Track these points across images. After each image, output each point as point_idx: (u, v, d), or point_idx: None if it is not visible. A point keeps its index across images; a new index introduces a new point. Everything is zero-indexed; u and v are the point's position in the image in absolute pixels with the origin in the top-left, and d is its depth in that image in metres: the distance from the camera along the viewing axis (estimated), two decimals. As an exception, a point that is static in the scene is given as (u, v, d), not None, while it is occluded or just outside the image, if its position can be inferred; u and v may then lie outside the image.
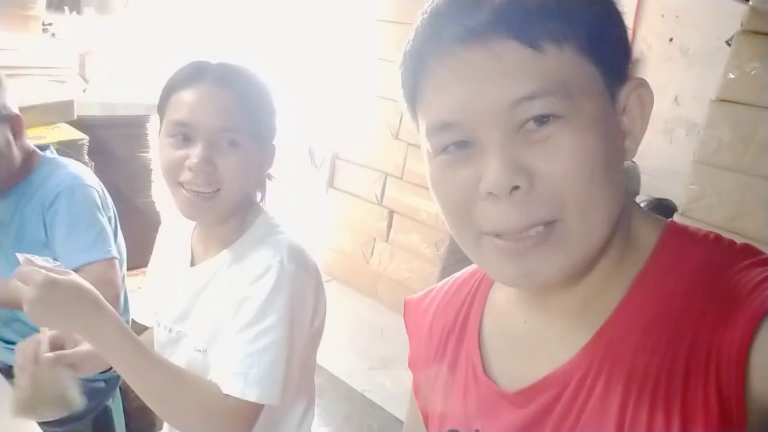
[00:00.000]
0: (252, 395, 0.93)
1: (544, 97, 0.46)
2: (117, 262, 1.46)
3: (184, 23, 3.38)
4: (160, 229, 1.27)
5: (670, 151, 2.76)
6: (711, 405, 0.45)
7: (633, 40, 2.76)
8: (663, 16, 2.76)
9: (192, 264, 1.10)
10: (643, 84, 0.51)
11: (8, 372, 1.22)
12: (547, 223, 0.48)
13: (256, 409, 0.96)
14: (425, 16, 0.50)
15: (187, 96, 0.96)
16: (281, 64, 3.50)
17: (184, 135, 0.96)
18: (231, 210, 1.02)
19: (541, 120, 0.46)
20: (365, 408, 2.52)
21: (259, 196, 1.12)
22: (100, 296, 0.89)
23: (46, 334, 0.97)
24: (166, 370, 0.93)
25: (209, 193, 0.96)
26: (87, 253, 1.41)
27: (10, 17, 2.48)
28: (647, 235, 0.54)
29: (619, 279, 0.53)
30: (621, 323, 0.51)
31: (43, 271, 0.85)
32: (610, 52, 0.49)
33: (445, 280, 0.74)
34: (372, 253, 3.36)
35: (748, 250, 0.51)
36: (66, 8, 3.02)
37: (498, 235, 0.50)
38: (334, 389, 2.59)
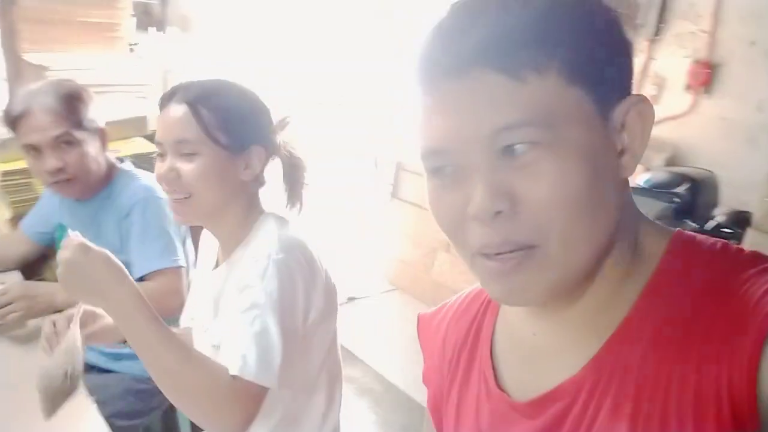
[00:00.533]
0: (250, 374, 0.97)
1: (524, 127, 0.47)
2: (183, 270, 1.56)
3: (256, 41, 3.53)
4: (201, 234, 1.38)
5: (754, 161, 2.60)
6: (724, 415, 0.45)
7: (712, 44, 2.63)
8: (743, 18, 2.61)
9: (215, 267, 1.21)
10: (643, 100, 0.51)
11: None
12: (528, 247, 0.49)
13: (258, 392, 1.00)
14: (415, 48, 0.52)
15: (159, 117, 1.12)
16: (346, 74, 3.57)
17: (160, 152, 1.10)
18: (211, 213, 1.12)
19: (523, 148, 0.48)
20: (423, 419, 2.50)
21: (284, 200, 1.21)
22: (125, 270, 0.99)
23: (79, 311, 1.06)
24: (177, 348, 0.97)
25: (181, 198, 1.09)
26: (156, 261, 1.53)
27: (100, 38, 2.69)
28: (654, 246, 0.54)
29: (627, 290, 0.53)
30: (629, 334, 0.52)
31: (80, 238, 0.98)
32: (599, 74, 0.49)
33: (458, 295, 0.75)
34: (433, 263, 3.36)
35: (756, 258, 0.51)
36: (151, 28, 3.24)
37: (485, 255, 0.51)
38: (393, 398, 2.61)
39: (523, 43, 0.46)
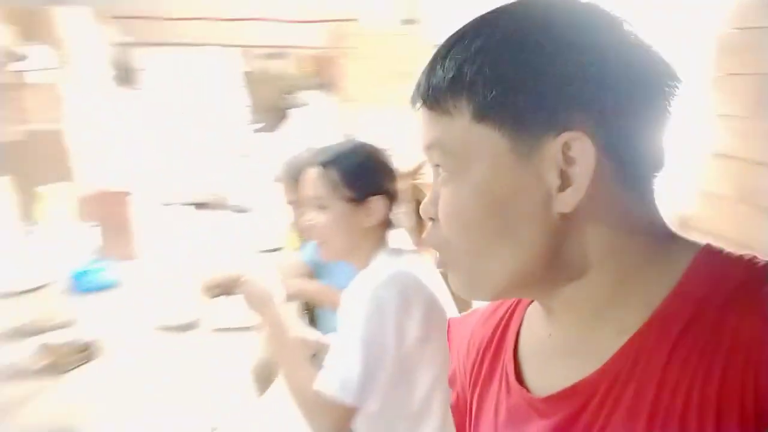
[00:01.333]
0: (329, 390, 1.15)
1: (434, 150, 0.57)
2: None
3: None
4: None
5: None
6: (747, 414, 0.44)
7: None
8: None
9: None
10: (579, 138, 0.50)
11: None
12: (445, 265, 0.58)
13: (342, 408, 1.16)
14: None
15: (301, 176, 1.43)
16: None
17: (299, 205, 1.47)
18: (342, 254, 1.37)
19: (438, 170, 0.58)
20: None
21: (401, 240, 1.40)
22: (272, 299, 1.33)
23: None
24: (291, 356, 1.25)
25: (320, 243, 1.36)
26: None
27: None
28: (681, 254, 0.54)
29: (646, 293, 0.53)
30: (651, 336, 0.51)
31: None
32: (515, 118, 0.51)
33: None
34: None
35: None
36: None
37: None
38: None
39: (440, 90, 0.55)
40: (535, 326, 0.64)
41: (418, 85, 0.57)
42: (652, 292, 0.52)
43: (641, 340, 0.51)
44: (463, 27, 0.55)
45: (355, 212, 1.31)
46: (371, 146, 1.38)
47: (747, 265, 0.51)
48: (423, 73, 0.57)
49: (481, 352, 0.69)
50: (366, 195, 1.30)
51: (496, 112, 0.51)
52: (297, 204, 1.84)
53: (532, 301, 0.66)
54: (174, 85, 3.56)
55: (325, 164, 1.31)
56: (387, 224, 1.37)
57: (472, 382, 0.70)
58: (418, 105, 0.57)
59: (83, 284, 1.95)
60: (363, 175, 1.32)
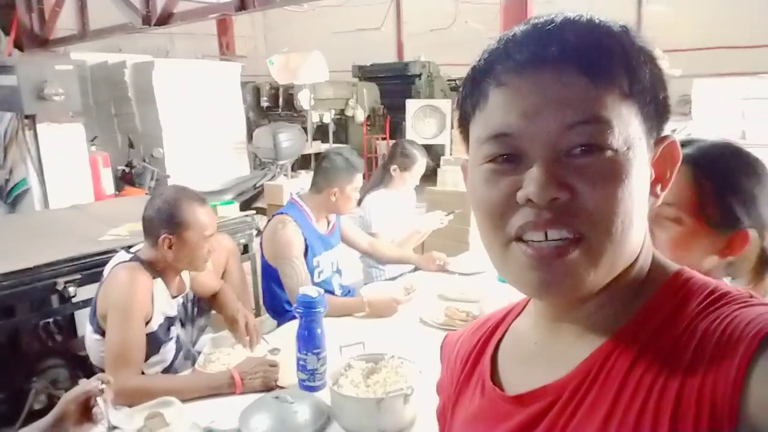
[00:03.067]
0: None
1: (594, 125, 0.50)
2: None
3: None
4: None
5: None
6: (703, 422, 0.46)
7: None
8: None
9: None
10: (675, 141, 0.56)
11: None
12: (573, 239, 0.51)
13: None
14: (502, 39, 0.55)
15: None
16: None
17: None
18: None
19: (588, 149, 0.51)
20: None
21: None
22: None
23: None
24: None
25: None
26: None
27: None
28: (657, 274, 0.57)
29: (626, 308, 0.56)
30: (618, 345, 0.54)
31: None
32: (649, 102, 0.53)
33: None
34: None
35: (750, 296, 0.53)
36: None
37: (525, 242, 0.53)
38: None
39: (606, 52, 0.51)
40: (521, 336, 0.66)
41: (565, 41, 0.51)
42: (630, 305, 0.55)
43: (611, 347, 0.54)
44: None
45: (712, 241, 1.04)
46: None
47: (716, 288, 0.54)
48: (563, 27, 0.53)
49: (464, 360, 0.71)
50: (735, 225, 1.03)
51: (642, 95, 0.53)
52: None
53: (519, 315, 0.69)
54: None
55: (701, 174, 1.04)
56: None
57: (455, 387, 0.71)
58: (576, 72, 0.51)
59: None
60: (744, 200, 1.04)
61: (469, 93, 0.58)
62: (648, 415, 0.49)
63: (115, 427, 1.29)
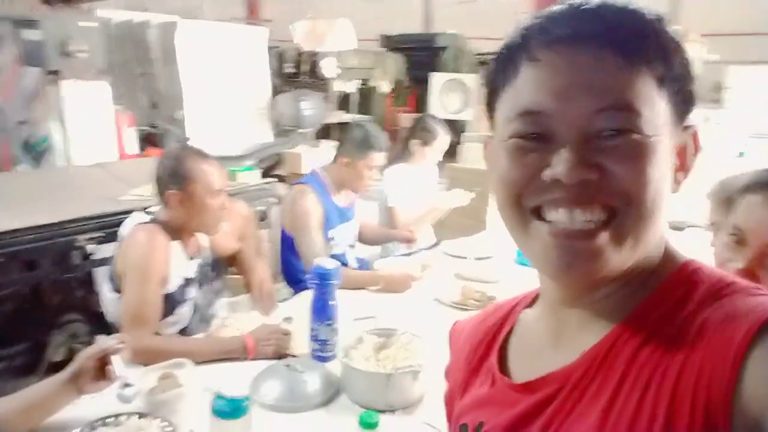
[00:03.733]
0: None
1: (627, 111, 0.50)
2: None
3: None
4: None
5: None
6: (696, 420, 0.46)
7: None
8: None
9: None
10: (697, 131, 0.57)
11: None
12: (601, 220, 0.51)
13: None
14: (539, 16, 0.54)
15: None
16: None
17: None
18: None
19: (618, 132, 0.50)
20: None
21: None
22: None
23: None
24: None
25: None
26: None
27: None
28: (667, 264, 0.57)
29: (634, 297, 0.55)
30: (623, 334, 0.54)
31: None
32: (683, 97, 0.53)
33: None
34: None
35: (757, 287, 0.53)
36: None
37: (549, 222, 0.53)
38: None
39: (643, 36, 0.51)
40: (531, 325, 0.67)
41: (603, 20, 0.51)
42: (638, 294, 0.55)
43: (615, 336, 0.54)
44: None
45: None
46: None
47: (723, 279, 0.54)
48: (602, 7, 0.51)
49: (473, 347, 0.72)
50: None
51: (673, 82, 0.52)
52: (719, 228, 1.45)
53: (529, 305, 0.69)
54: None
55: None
56: None
57: (463, 373, 0.72)
58: (613, 53, 0.50)
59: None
60: None
61: (500, 68, 0.57)
62: (647, 402, 0.49)
63: (128, 385, 1.32)
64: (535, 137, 0.53)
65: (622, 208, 0.51)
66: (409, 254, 2.73)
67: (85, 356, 1.29)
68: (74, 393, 1.29)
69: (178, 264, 1.89)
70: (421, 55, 9.73)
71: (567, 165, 0.50)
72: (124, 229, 1.91)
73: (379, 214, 3.07)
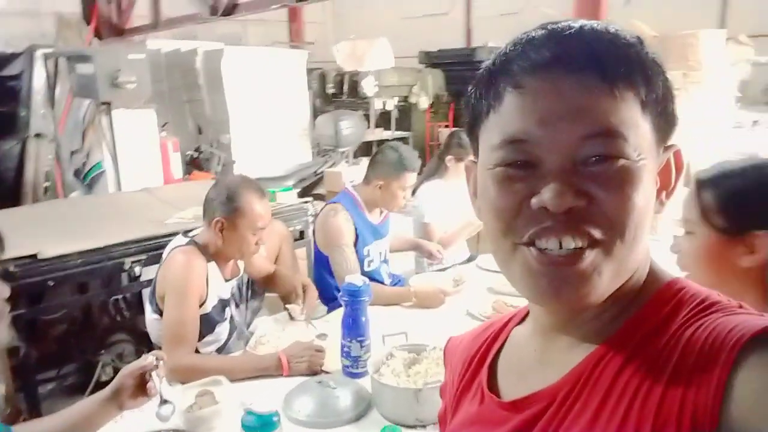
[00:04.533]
0: None
1: (612, 137, 0.50)
2: None
3: None
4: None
5: None
6: (684, 428, 0.46)
7: None
8: None
9: None
10: (680, 150, 0.57)
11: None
12: (587, 246, 0.51)
13: None
14: (519, 41, 0.54)
15: None
16: None
17: None
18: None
19: (603, 158, 0.50)
20: None
21: None
22: None
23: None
24: None
25: (684, 272, 1.10)
26: None
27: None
28: (653, 282, 0.57)
29: (621, 317, 0.56)
30: (608, 353, 0.54)
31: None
32: (665, 118, 0.54)
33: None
34: None
35: (739, 306, 0.53)
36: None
37: (537, 249, 0.52)
38: None
39: (626, 59, 0.51)
40: (521, 343, 0.67)
41: (586, 47, 0.51)
42: (624, 314, 0.56)
43: (600, 354, 0.54)
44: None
45: (727, 246, 1.04)
46: None
47: (706, 298, 0.54)
48: (583, 34, 0.51)
49: (466, 365, 0.72)
50: (746, 228, 1.02)
51: (655, 105, 0.53)
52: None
53: (519, 323, 0.69)
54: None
55: (702, 183, 1.08)
56: None
57: (455, 390, 0.72)
58: (597, 79, 0.50)
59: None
60: (745, 203, 1.03)
61: (482, 93, 0.57)
62: (631, 419, 0.49)
63: (166, 401, 1.37)
64: (522, 165, 0.53)
65: (605, 234, 0.51)
66: (443, 269, 2.74)
67: (126, 374, 1.35)
68: (115, 409, 1.34)
69: (215, 285, 1.95)
70: (460, 70, 9.75)
71: (555, 193, 0.50)
72: (165, 252, 1.99)
73: (414, 230, 3.09)
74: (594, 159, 0.51)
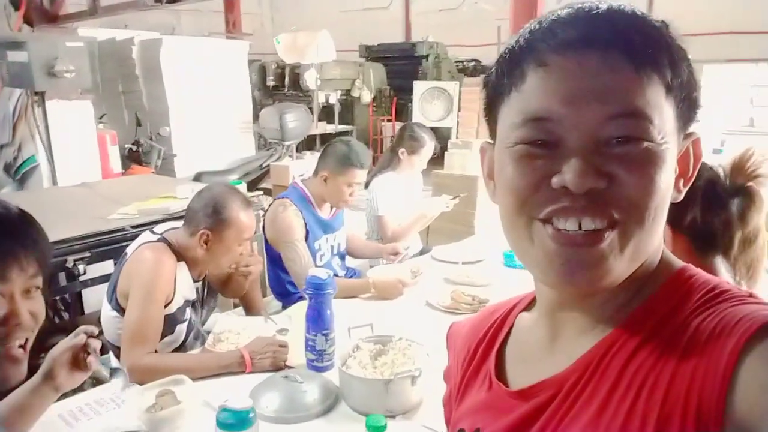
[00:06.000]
0: None
1: (636, 118, 0.49)
2: None
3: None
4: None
5: None
6: (688, 424, 0.46)
7: None
8: None
9: None
10: (699, 139, 0.56)
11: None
12: (607, 227, 0.51)
13: None
14: (545, 20, 0.53)
15: None
16: None
17: None
18: None
19: (627, 139, 0.50)
20: None
21: None
22: None
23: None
24: None
25: None
26: None
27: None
28: (664, 270, 0.57)
29: (630, 304, 0.56)
30: (616, 341, 0.54)
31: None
32: (688, 104, 0.53)
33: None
34: None
35: (750, 295, 0.52)
36: None
37: (555, 228, 0.52)
38: None
39: (653, 42, 0.50)
40: (528, 329, 0.67)
41: (614, 26, 0.50)
42: (634, 301, 0.56)
43: (610, 342, 0.54)
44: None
45: None
46: None
47: (716, 286, 0.54)
48: (611, 13, 0.51)
49: (472, 350, 0.72)
50: None
51: (679, 90, 0.52)
52: None
53: (526, 308, 0.70)
54: None
55: None
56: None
57: (461, 377, 0.72)
58: (623, 59, 0.49)
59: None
60: None
61: (504, 72, 0.55)
62: (638, 409, 0.49)
63: (117, 369, 1.30)
64: (543, 144, 0.52)
65: (625, 216, 0.51)
66: (399, 261, 2.76)
67: (56, 355, 1.27)
68: (52, 392, 1.26)
69: (182, 285, 1.89)
70: (401, 64, 9.82)
71: (577, 173, 0.49)
72: (130, 249, 1.91)
73: (368, 224, 3.10)
74: (617, 140, 0.50)
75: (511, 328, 0.70)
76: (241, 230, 1.87)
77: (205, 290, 2.12)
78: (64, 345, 1.29)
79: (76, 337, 1.29)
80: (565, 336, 0.60)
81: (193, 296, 1.98)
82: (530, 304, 0.70)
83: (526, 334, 0.67)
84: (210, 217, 1.84)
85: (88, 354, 1.27)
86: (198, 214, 1.86)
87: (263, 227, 2.52)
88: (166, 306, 1.82)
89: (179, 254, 1.87)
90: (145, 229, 1.99)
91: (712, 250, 1.11)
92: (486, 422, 0.63)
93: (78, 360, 1.28)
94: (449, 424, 0.75)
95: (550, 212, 0.52)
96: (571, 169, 0.50)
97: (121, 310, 1.85)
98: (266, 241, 2.47)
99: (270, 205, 2.51)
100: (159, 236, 1.89)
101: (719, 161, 1.13)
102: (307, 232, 2.39)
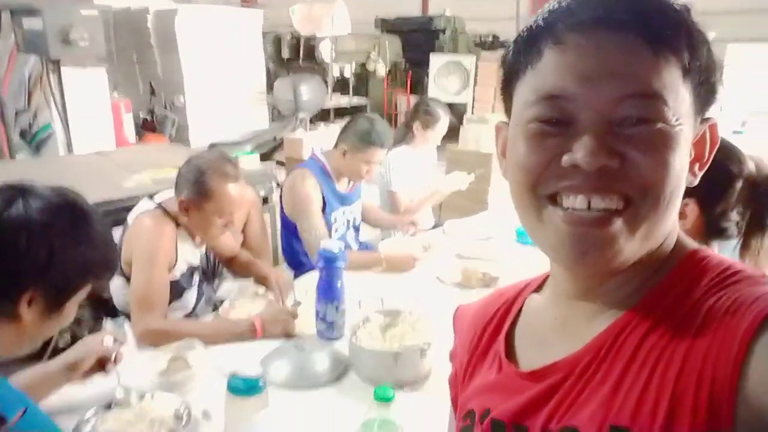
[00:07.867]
0: None
1: (652, 99, 0.49)
2: None
3: None
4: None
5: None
6: (699, 408, 0.46)
7: None
8: None
9: None
10: (716, 124, 0.56)
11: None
12: (616, 210, 0.51)
13: None
14: (562, 0, 0.53)
15: None
16: None
17: None
18: None
19: (643, 120, 0.50)
20: None
21: None
22: None
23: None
24: None
25: None
26: None
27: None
28: (678, 252, 0.57)
29: (644, 285, 0.56)
30: (630, 322, 0.54)
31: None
32: (705, 88, 0.53)
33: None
34: None
35: (763, 275, 0.52)
36: None
37: (564, 209, 0.52)
38: None
39: (672, 24, 0.50)
40: (539, 311, 0.66)
41: (632, 7, 0.50)
42: (647, 283, 0.55)
43: (623, 324, 0.54)
44: None
45: None
46: None
47: (729, 267, 0.54)
48: (643, 1, 0.51)
49: (479, 330, 0.71)
50: None
51: (697, 74, 0.52)
52: None
53: (536, 290, 0.69)
54: None
55: None
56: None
57: (468, 357, 0.71)
58: (640, 40, 0.49)
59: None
60: None
61: (521, 50, 0.55)
62: (652, 389, 0.49)
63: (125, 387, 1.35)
64: (556, 122, 0.52)
65: (638, 197, 0.51)
66: (412, 235, 2.76)
67: (87, 351, 1.33)
68: (65, 380, 1.32)
69: (184, 250, 1.91)
70: (418, 38, 9.67)
71: (588, 151, 0.49)
72: (130, 217, 1.92)
73: (381, 198, 3.09)
74: (631, 121, 0.50)
75: (520, 310, 0.69)
76: (223, 204, 1.79)
77: (216, 259, 2.13)
78: (97, 345, 1.35)
79: (107, 344, 1.36)
80: (577, 318, 0.60)
81: (197, 262, 1.99)
82: (540, 286, 0.69)
83: (537, 316, 0.67)
84: (191, 185, 1.79)
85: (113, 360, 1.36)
86: (182, 180, 1.82)
87: (280, 196, 2.53)
88: (169, 272, 1.84)
89: (177, 221, 1.87)
90: (144, 197, 1.99)
91: (719, 239, 1.13)
92: (496, 403, 0.63)
93: (101, 363, 1.35)
94: (455, 403, 0.75)
95: (559, 188, 0.52)
96: (582, 146, 0.50)
97: (126, 278, 1.87)
98: (282, 210, 2.48)
99: (288, 175, 2.51)
100: (157, 204, 1.89)
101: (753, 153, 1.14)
102: (324, 204, 2.39)
